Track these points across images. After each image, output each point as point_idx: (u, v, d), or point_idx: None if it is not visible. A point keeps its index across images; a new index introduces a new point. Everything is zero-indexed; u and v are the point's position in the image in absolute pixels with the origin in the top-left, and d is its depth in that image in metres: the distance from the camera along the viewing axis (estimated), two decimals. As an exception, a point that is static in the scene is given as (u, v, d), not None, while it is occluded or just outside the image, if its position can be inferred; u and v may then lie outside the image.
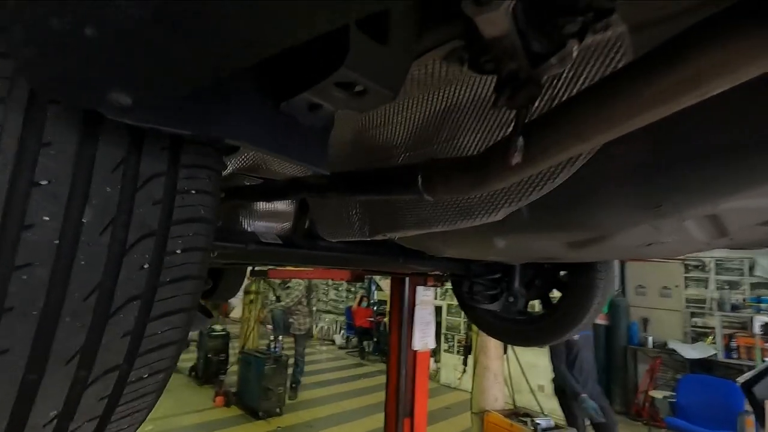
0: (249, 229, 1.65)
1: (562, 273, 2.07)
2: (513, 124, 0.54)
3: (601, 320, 7.59)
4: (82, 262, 0.43)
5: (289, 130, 0.52)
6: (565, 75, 0.72)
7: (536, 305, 2.30)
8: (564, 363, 4.21)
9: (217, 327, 7.82)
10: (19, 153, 0.40)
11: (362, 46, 0.46)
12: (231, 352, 7.52)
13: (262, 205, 1.65)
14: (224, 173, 1.28)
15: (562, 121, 0.50)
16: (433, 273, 2.68)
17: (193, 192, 0.51)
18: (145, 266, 0.47)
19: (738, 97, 0.55)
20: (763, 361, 5.96)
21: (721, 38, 0.35)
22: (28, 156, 0.40)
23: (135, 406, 0.53)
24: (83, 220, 0.43)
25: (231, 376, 6.89)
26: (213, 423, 5.81)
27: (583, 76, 0.70)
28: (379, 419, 3.81)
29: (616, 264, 8.42)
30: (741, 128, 0.57)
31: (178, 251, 0.50)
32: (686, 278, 7.33)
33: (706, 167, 0.63)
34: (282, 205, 1.67)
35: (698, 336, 6.97)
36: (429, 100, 0.91)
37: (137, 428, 0.58)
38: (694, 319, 7.14)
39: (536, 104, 0.75)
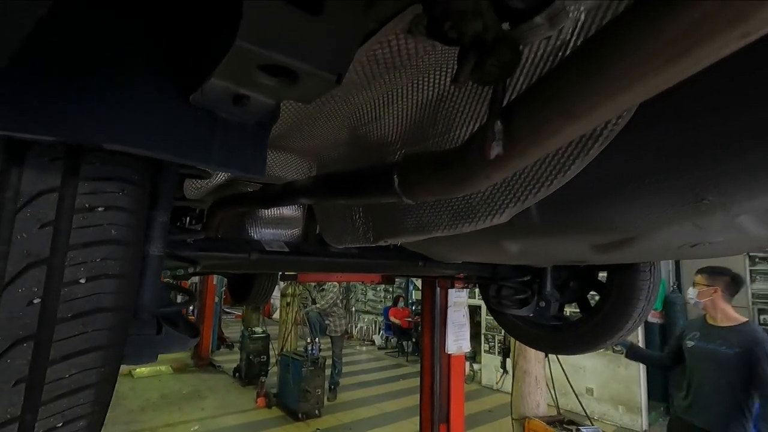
0: (256, 237, 1.60)
1: (600, 274, 1.88)
2: (490, 103, 0.42)
3: (655, 318, 7.06)
4: (-56, 302, 0.36)
5: (209, 129, 0.43)
6: (572, 44, 0.59)
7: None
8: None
9: (258, 329, 8.01)
10: None
11: (275, 13, 0.36)
12: (271, 353, 7.67)
13: (268, 212, 1.59)
14: (221, 181, 1.22)
15: (549, 96, 0.37)
16: (458, 276, 2.53)
17: (100, 209, 0.43)
18: (35, 301, 0.40)
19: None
20: None
21: None
22: None
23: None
24: (-59, 251, 0.35)
25: (272, 378, 7.01)
26: (255, 423, 5.93)
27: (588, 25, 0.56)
28: (417, 422, 3.71)
29: (670, 257, 7.86)
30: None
31: (81, 280, 0.42)
32: (752, 271, 6.66)
33: (751, 157, 0.47)
34: (288, 211, 1.60)
35: (769, 335, 6.32)
36: (418, 89, 0.79)
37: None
38: (763, 317, 6.47)
39: (536, 73, 0.61)
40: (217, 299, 9.80)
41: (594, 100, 0.34)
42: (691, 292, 3.06)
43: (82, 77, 0.34)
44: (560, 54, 0.59)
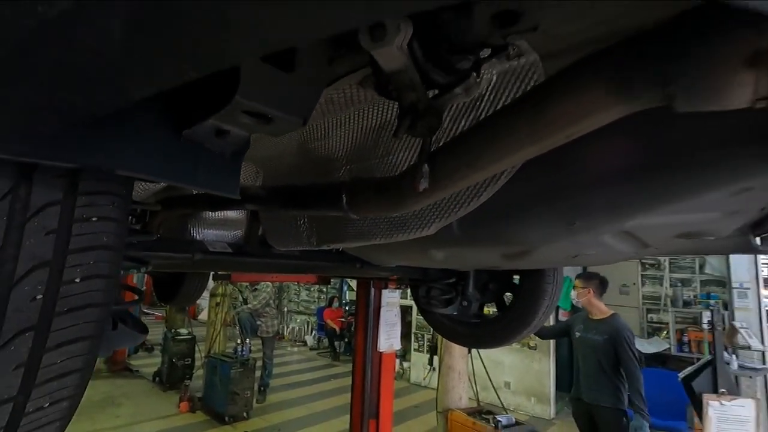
0: (198, 238, 1.62)
1: (515, 277, 2.14)
2: (419, 151, 0.56)
3: (565, 317, 7.86)
4: (-37, 297, 0.42)
5: (195, 157, 0.53)
6: (487, 96, 0.75)
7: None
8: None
9: (183, 331, 7.62)
10: None
11: (261, 75, 0.47)
12: (197, 356, 7.34)
13: (212, 214, 1.63)
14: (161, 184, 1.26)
15: (461, 151, 0.53)
16: (392, 278, 2.70)
17: (94, 219, 0.51)
18: (38, 297, 0.47)
19: (628, 132, 0.59)
20: (710, 354, 6.33)
21: (572, 91, 0.37)
22: None
23: (34, 438, 0.52)
24: (-37, 253, 0.42)
25: (197, 381, 6.72)
26: (178, 429, 5.67)
27: (505, 96, 0.73)
28: (348, 421, 3.82)
29: (579, 263, 8.72)
30: (634, 159, 0.61)
31: (77, 280, 0.50)
32: (643, 276, 7.67)
33: (606, 192, 0.67)
34: (232, 213, 1.65)
35: (653, 331, 7.32)
36: (363, 117, 0.92)
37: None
38: (650, 315, 7.49)
39: (463, 124, 0.78)
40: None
41: (490, 158, 0.49)
42: (573, 294, 3.80)
43: (102, 118, 0.42)
44: (478, 103, 0.76)
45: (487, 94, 0.75)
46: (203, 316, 11.26)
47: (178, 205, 1.27)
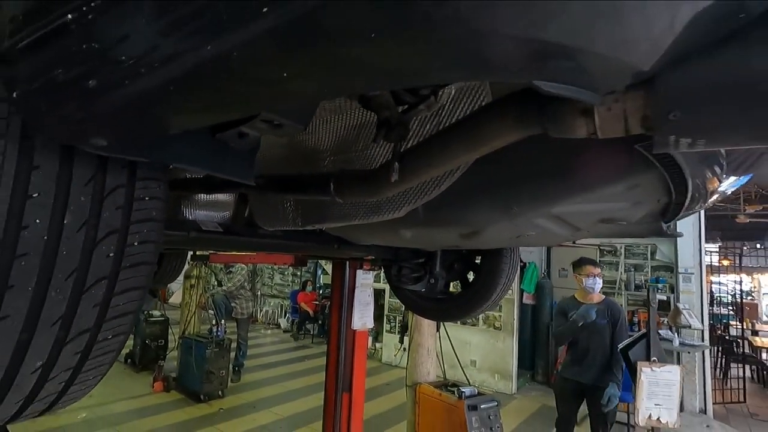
0: (190, 218, 1.77)
1: (478, 259, 2.38)
2: (392, 152, 0.76)
3: (528, 300, 8.33)
4: (64, 252, 0.59)
5: (223, 152, 0.70)
6: (447, 106, 0.95)
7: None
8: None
9: (156, 313, 7.62)
10: (17, 174, 0.54)
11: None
12: (171, 337, 7.38)
13: (202, 196, 1.77)
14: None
15: (422, 154, 0.72)
16: (367, 258, 2.90)
17: (147, 198, 0.68)
18: (110, 255, 0.64)
19: (543, 141, 0.80)
20: (658, 333, 6.92)
21: (491, 120, 0.57)
22: (22, 176, 0.55)
23: (101, 361, 0.69)
24: (64, 222, 0.58)
25: (171, 362, 6.79)
26: (151, 408, 5.76)
27: (460, 109, 0.93)
28: (321, 397, 4.03)
29: (543, 249, 9.12)
30: (546, 161, 0.83)
31: (136, 243, 0.67)
32: (601, 261, 8.21)
33: (532, 186, 0.89)
34: (222, 196, 1.79)
35: (607, 313, 7.90)
36: (346, 116, 1.10)
37: (101, 378, 0.74)
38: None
39: (428, 128, 0.97)
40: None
41: (441, 161, 0.69)
42: (590, 281, 3.75)
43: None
44: (440, 112, 0.95)
45: (448, 104, 0.94)
46: (174, 299, 11.20)
47: (176, 186, 1.42)
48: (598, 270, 3.81)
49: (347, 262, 3.78)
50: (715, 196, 1.14)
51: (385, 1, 0.33)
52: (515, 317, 7.41)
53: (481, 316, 7.62)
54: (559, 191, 0.88)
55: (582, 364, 3.65)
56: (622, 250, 8.05)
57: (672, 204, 1.10)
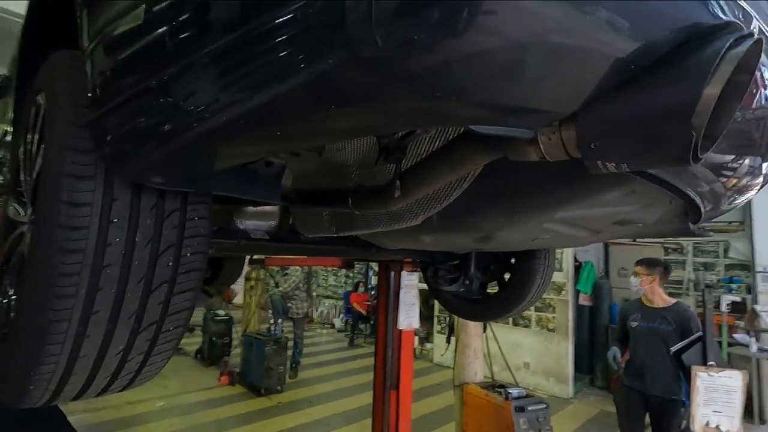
0: (241, 228, 1.99)
1: (513, 260, 2.41)
2: (394, 171, 0.88)
3: (585, 301, 7.99)
4: (136, 263, 0.77)
5: (252, 179, 0.86)
6: (437, 135, 1.04)
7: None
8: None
9: (221, 312, 8.23)
10: (102, 205, 0.73)
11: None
12: (234, 335, 7.95)
13: (251, 208, 1.99)
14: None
15: (416, 174, 0.83)
16: (406, 260, 3.02)
17: (196, 218, 0.85)
18: (170, 264, 0.81)
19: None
20: (731, 336, 6.37)
21: (464, 147, 0.68)
22: (106, 207, 0.74)
23: (165, 347, 0.88)
24: (135, 239, 0.77)
25: (234, 358, 7.31)
26: (219, 399, 6.25)
27: (449, 134, 1.01)
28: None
29: (601, 248, 8.68)
30: (542, 172, 0.90)
31: (188, 254, 0.84)
32: (665, 260, 7.69)
33: (530, 195, 0.97)
34: (269, 207, 2.00)
35: (676, 315, 7.37)
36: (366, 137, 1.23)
37: (166, 362, 0.93)
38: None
39: (423, 149, 1.08)
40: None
41: (431, 180, 0.80)
42: (634, 281, 3.56)
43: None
44: (434, 136, 1.05)
45: (438, 131, 1.05)
46: (237, 300, 11.99)
47: (230, 202, 1.63)
48: (643, 273, 3.53)
49: (389, 265, 3.92)
50: (754, 190, 1.09)
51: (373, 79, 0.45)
52: (569, 318, 7.15)
53: (533, 317, 7.44)
54: (556, 199, 0.95)
55: (641, 373, 3.41)
56: (690, 248, 7.49)
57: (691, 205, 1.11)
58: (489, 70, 0.43)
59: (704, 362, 2.67)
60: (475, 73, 0.43)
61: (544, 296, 7.33)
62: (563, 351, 7.05)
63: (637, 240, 8.11)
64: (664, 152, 0.47)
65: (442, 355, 8.10)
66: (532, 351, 7.36)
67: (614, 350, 3.80)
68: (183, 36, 0.57)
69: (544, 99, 0.47)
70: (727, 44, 0.42)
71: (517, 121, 0.50)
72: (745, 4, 0.53)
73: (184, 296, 0.85)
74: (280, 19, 0.45)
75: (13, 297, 0.91)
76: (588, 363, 7.69)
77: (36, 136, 0.93)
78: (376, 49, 0.39)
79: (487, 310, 2.35)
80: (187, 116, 0.59)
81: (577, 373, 7.25)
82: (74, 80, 0.78)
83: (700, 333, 2.81)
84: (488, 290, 2.59)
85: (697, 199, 1.04)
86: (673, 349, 2.91)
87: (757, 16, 0.56)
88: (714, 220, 1.32)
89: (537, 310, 7.35)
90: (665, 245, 7.59)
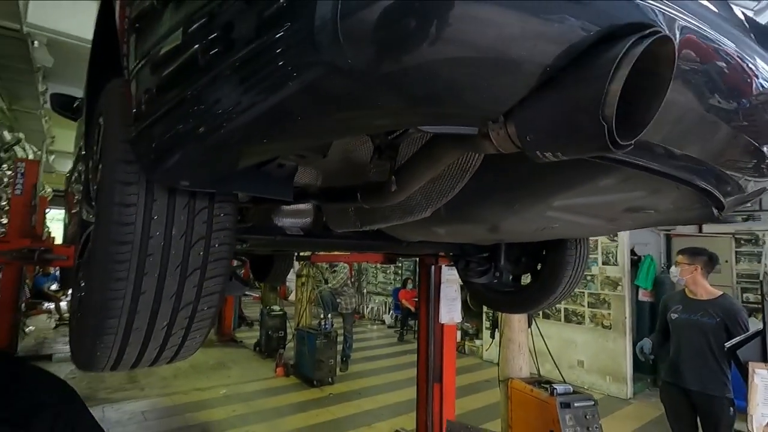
0: (279, 225, 2.17)
1: (545, 252, 2.41)
2: (389, 168, 0.98)
3: (645, 297, 7.53)
4: (173, 252, 0.93)
5: (266, 179, 0.99)
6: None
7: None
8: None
9: (276, 308, 8.71)
10: (145, 205, 0.90)
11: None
12: (288, 330, 8.38)
13: (287, 207, 2.16)
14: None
15: (406, 169, 0.93)
16: (439, 254, 3.08)
17: (222, 215, 1.00)
18: (201, 253, 0.97)
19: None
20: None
21: (442, 144, 0.76)
22: (148, 206, 0.90)
23: (200, 325, 1.04)
24: (172, 233, 0.93)
25: (289, 351, 7.71)
26: (276, 389, 6.65)
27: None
28: (419, 388, 4.28)
29: (662, 240, 8.11)
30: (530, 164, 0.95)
31: (216, 245, 0.99)
32: (737, 253, 7.06)
33: (522, 185, 1.02)
34: (303, 205, 2.16)
35: (750, 312, 6.73)
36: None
37: (203, 339, 1.09)
38: (746, 295, 6.90)
39: (414, 147, 1.15)
40: (237, 281, 10.52)
41: (419, 175, 0.89)
42: (674, 271, 3.41)
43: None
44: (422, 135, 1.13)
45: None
46: (292, 297, 12.59)
47: (262, 201, 1.80)
48: (684, 262, 3.32)
49: (424, 259, 3.98)
50: None
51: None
52: (627, 315, 6.79)
53: (586, 313, 7.14)
54: (548, 188, 1.00)
55: (681, 367, 3.25)
56: (766, 239, 6.80)
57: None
58: (430, 84, 0.52)
59: (764, 359, 2.50)
60: (419, 86, 0.52)
61: (599, 292, 7.03)
62: (620, 349, 6.71)
63: (704, 231, 7.51)
64: (585, 141, 0.53)
65: (487, 350, 8.01)
66: (586, 348, 7.08)
67: (645, 341, 3.63)
68: (213, 51, 0.67)
69: (476, 103, 0.55)
70: (629, 44, 0.48)
71: (456, 120, 0.58)
72: (666, 4, 0.57)
73: (215, 281, 1.01)
74: (277, 35, 0.55)
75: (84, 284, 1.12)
76: (650, 362, 7.24)
77: (99, 151, 1.13)
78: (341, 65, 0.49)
79: (518, 302, 2.37)
80: (215, 118, 0.69)
81: (638, 372, 6.87)
82: (123, 104, 0.95)
83: (759, 328, 2.62)
84: (521, 282, 2.59)
85: (702, 183, 1.04)
86: (727, 344, 2.74)
87: (682, 15, 0.59)
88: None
89: (590, 306, 7.06)
90: (736, 236, 6.95)
